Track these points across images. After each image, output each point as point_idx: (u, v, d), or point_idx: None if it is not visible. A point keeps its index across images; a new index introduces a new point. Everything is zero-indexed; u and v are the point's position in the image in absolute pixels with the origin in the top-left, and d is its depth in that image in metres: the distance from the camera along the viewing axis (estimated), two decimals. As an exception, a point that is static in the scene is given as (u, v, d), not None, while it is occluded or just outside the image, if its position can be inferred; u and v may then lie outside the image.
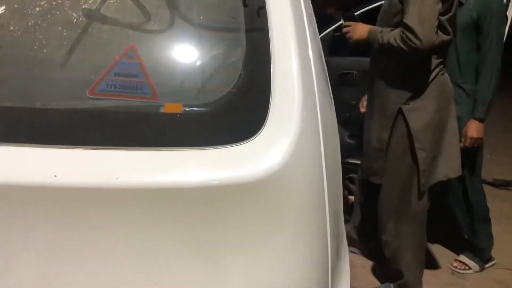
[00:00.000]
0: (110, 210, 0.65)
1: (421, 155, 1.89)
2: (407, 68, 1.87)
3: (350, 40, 2.01)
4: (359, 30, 1.94)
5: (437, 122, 1.91)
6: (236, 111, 0.68)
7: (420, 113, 1.88)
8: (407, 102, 1.89)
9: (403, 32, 1.73)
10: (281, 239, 0.65)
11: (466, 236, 2.50)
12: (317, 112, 0.71)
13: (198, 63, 0.73)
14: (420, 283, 2.12)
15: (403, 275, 2.07)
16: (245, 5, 0.77)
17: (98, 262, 0.67)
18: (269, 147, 0.64)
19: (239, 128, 0.67)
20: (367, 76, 2.20)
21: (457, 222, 2.50)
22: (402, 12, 1.78)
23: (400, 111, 1.90)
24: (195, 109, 0.70)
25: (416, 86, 1.89)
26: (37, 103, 0.71)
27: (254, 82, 0.70)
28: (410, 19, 1.71)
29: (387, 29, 1.85)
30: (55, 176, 0.63)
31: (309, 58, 0.75)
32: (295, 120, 0.66)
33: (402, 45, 1.74)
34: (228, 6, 0.80)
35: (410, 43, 1.71)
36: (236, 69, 0.72)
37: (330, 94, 0.91)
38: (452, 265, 2.48)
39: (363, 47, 2.23)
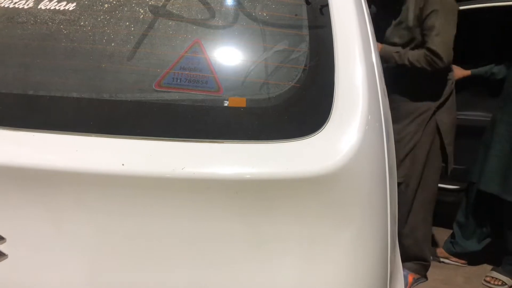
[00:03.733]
0: (174, 199, 0.67)
1: (449, 150, 2.19)
2: (434, 75, 2.09)
3: None
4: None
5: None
6: (300, 105, 0.69)
7: (448, 112, 2.16)
8: (439, 102, 2.13)
9: (428, 56, 1.98)
10: (345, 234, 0.65)
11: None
12: (380, 108, 0.71)
13: (262, 58, 0.74)
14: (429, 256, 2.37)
15: (420, 257, 2.29)
16: (307, 2, 0.77)
17: (157, 249, 0.68)
18: (333, 142, 0.64)
19: (303, 122, 0.67)
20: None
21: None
22: (420, 28, 2.01)
23: (433, 111, 2.12)
24: (259, 103, 0.71)
25: (444, 89, 2.15)
26: (105, 95, 0.74)
27: (318, 77, 0.70)
28: (436, 44, 1.95)
29: (404, 50, 2.07)
30: (123, 164, 0.66)
31: (372, 54, 0.75)
32: (360, 115, 0.66)
33: (426, 66, 2.00)
34: (291, 3, 0.81)
35: (435, 65, 1.98)
36: (299, 64, 0.73)
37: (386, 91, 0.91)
38: (484, 280, 2.44)
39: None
